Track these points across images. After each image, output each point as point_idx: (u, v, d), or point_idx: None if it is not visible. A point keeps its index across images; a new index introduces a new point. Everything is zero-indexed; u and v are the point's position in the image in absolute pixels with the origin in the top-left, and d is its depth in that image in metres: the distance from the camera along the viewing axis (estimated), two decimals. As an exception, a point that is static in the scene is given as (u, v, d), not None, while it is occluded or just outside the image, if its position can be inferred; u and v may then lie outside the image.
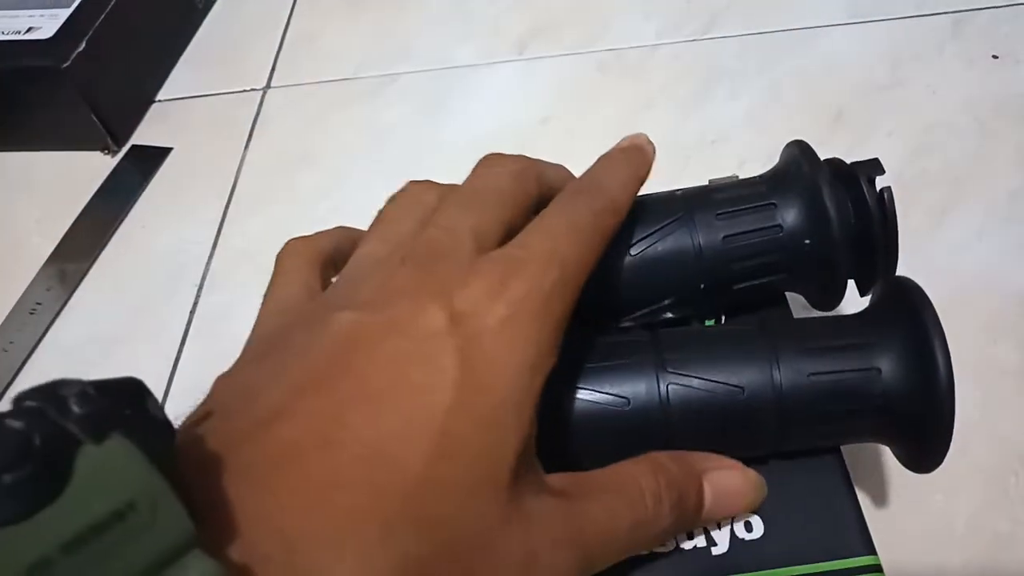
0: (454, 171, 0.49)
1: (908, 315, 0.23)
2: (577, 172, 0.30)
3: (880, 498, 0.33)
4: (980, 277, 0.39)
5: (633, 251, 0.26)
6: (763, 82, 0.50)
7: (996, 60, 0.48)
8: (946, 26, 0.50)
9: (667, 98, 0.51)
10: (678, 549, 0.25)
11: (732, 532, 0.25)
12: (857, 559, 0.24)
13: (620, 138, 0.49)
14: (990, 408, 0.34)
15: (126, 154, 0.55)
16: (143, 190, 0.53)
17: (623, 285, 0.26)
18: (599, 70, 0.53)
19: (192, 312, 0.46)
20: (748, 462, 0.26)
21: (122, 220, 0.52)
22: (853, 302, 0.27)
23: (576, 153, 0.50)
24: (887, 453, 0.34)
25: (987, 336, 0.37)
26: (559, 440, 0.24)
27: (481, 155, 0.51)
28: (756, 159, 0.28)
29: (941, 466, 0.32)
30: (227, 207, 0.51)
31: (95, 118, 0.54)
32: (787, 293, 0.30)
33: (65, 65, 0.51)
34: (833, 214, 0.24)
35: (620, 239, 0.26)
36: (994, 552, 0.31)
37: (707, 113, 0.49)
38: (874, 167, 0.25)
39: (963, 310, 0.37)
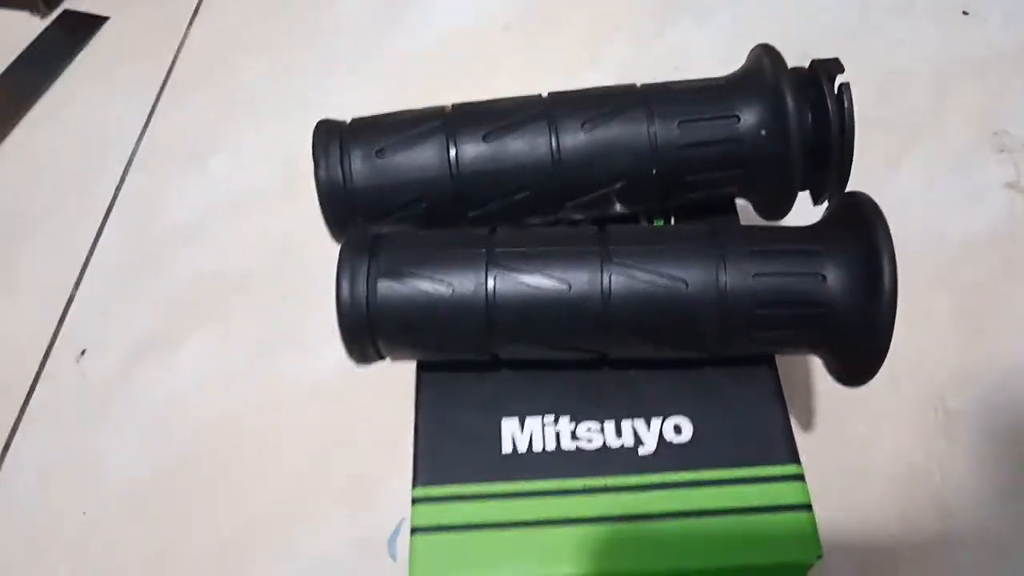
0: (410, 73, 0.48)
1: (857, 225, 0.23)
2: (534, 84, 0.29)
3: (807, 423, 0.33)
4: (925, 225, 0.39)
5: (586, 126, 0.25)
6: (732, 13, 0.49)
7: (966, 17, 0.48)
8: (920, -22, 0.50)
9: (634, 20, 0.49)
10: (605, 446, 0.25)
11: (660, 434, 0.25)
12: (781, 467, 0.24)
13: (582, 58, 0.48)
14: (920, 348, 0.35)
15: (57, 18, 0.51)
16: (73, 59, 0.50)
17: (573, 161, 0.25)
18: (569, -16, 0.52)
19: (117, 190, 0.44)
20: (685, 366, 0.26)
21: (47, 88, 0.48)
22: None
23: (534, 64, 0.49)
24: (819, 380, 0.34)
25: (925, 281, 0.37)
26: (501, 319, 0.23)
27: (439, 59, 0.49)
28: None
29: (868, 399, 0.33)
30: (163, 86, 0.48)
31: (24, -26, 0.50)
32: (737, 207, 0.29)
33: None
34: (791, 105, 0.24)
35: (572, 115, 0.25)
36: (910, 481, 0.32)
37: (673, 39, 0.48)
38: (834, 66, 0.25)
39: (905, 255, 0.37)
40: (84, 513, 0.33)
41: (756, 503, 0.24)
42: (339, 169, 0.26)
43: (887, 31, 0.48)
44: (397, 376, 0.28)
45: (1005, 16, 0.47)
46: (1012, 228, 0.38)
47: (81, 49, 0.50)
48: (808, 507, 0.24)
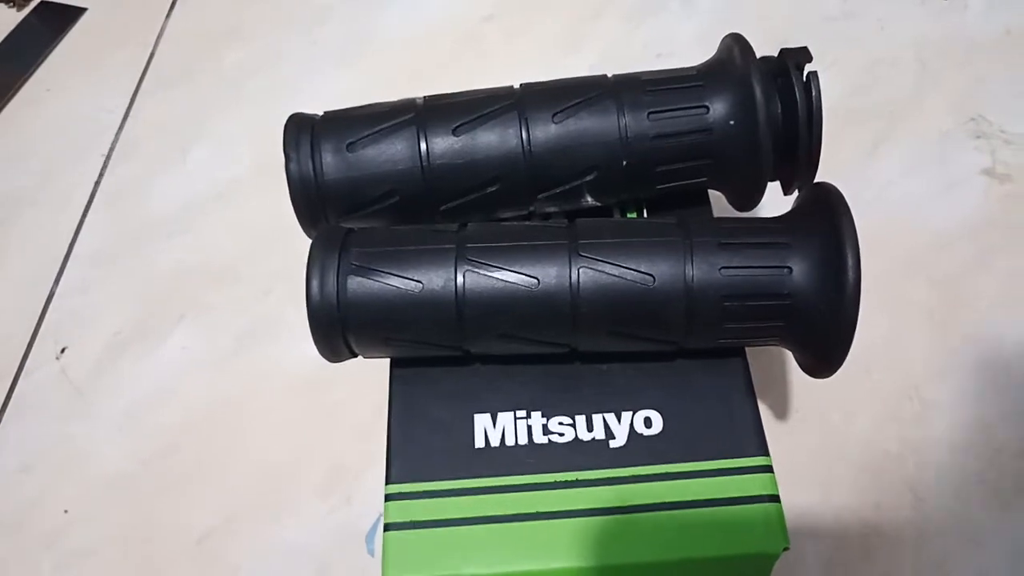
0: (391, 62, 0.47)
1: (823, 218, 0.23)
2: (515, 74, 0.29)
3: (780, 413, 0.33)
4: (902, 213, 0.39)
5: (556, 118, 0.25)
6: (716, 1, 0.49)
7: (946, 3, 0.47)
8: (902, -38, 0.50)
9: (617, 7, 0.49)
10: (576, 439, 0.25)
11: (631, 427, 0.25)
12: (750, 459, 0.25)
13: (563, 47, 0.48)
14: (896, 337, 0.35)
15: (34, 9, 0.51)
16: (51, 51, 0.49)
17: (544, 153, 0.25)
18: (550, -29, 0.51)
19: (97, 182, 0.43)
20: (655, 359, 0.26)
21: (25, 80, 0.48)
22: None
23: (516, 54, 0.48)
24: (792, 371, 0.34)
25: (902, 270, 0.37)
26: (471, 315, 0.23)
27: (420, 48, 0.49)
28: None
29: (843, 388, 0.33)
30: (142, 77, 0.48)
31: (-1, -36, 0.49)
32: (710, 197, 0.29)
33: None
34: (759, 95, 0.24)
35: (543, 107, 0.25)
36: (881, 469, 0.32)
37: (656, 26, 0.48)
38: (802, 54, 0.25)
39: (883, 244, 0.37)
40: (66, 511, 0.33)
41: (725, 495, 0.24)
42: (310, 163, 0.26)
43: (868, 17, 0.48)
44: (376, 368, 0.28)
45: (985, 2, 0.47)
46: (988, 215, 0.39)
47: (59, 40, 0.50)
48: (776, 499, 0.24)
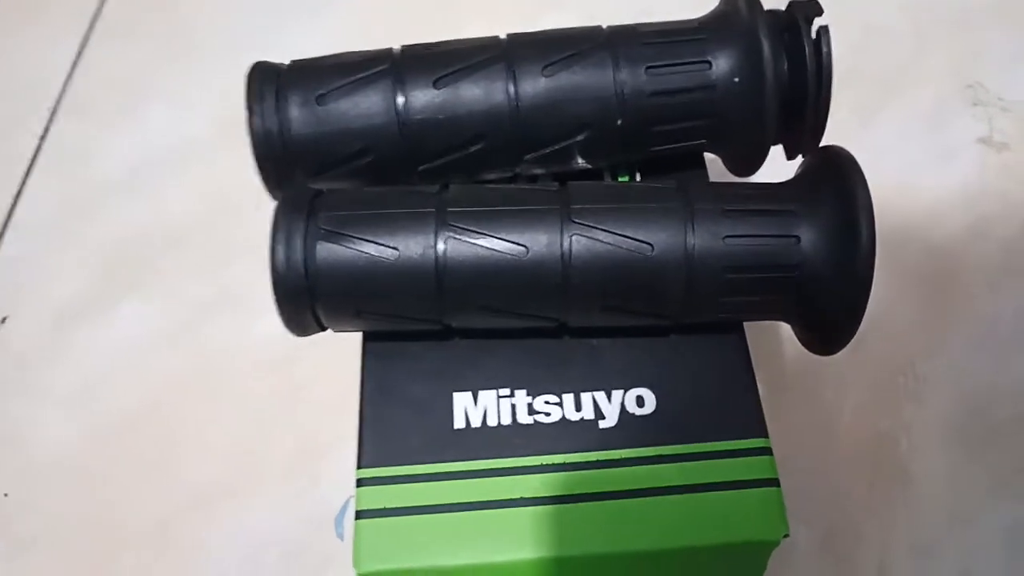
0: (364, 12, 0.45)
1: (835, 184, 0.22)
2: (494, 28, 0.27)
3: (772, 388, 0.32)
4: (898, 181, 0.38)
5: (546, 71, 0.23)
6: (704, -42, 0.47)
7: (941, -36, 0.46)
8: (896, -78, 0.48)
9: (601, -39, 0.47)
10: (564, 420, 0.23)
11: (622, 406, 0.24)
12: (748, 440, 0.23)
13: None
14: (889, 309, 0.34)
15: (-29, -50, 0.47)
16: (-10, -5, 0.46)
17: (533, 110, 0.23)
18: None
19: (42, 139, 0.40)
20: (649, 334, 0.24)
21: (-38, 27, 0.44)
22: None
23: (495, 5, 0.46)
24: (784, 345, 0.33)
25: (896, 240, 0.36)
26: (452, 286, 0.21)
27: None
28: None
29: (835, 364, 0.31)
30: (91, 26, 0.45)
31: (-69, -101, 0.45)
32: (706, 162, 0.27)
33: None
34: (766, 50, 0.22)
35: (533, 59, 0.23)
36: (874, 448, 0.31)
37: (642, -18, 0.46)
38: (812, 7, 0.23)
39: (877, 213, 0.36)
40: (5, 495, 0.31)
41: (721, 478, 0.22)
42: (275, 117, 0.24)
43: (862, -22, 0.46)
44: (346, 341, 0.26)
45: (983, -36, 0.46)
46: (984, 184, 0.37)
47: (-1, -16, 0.46)
48: (775, 482, 0.22)
